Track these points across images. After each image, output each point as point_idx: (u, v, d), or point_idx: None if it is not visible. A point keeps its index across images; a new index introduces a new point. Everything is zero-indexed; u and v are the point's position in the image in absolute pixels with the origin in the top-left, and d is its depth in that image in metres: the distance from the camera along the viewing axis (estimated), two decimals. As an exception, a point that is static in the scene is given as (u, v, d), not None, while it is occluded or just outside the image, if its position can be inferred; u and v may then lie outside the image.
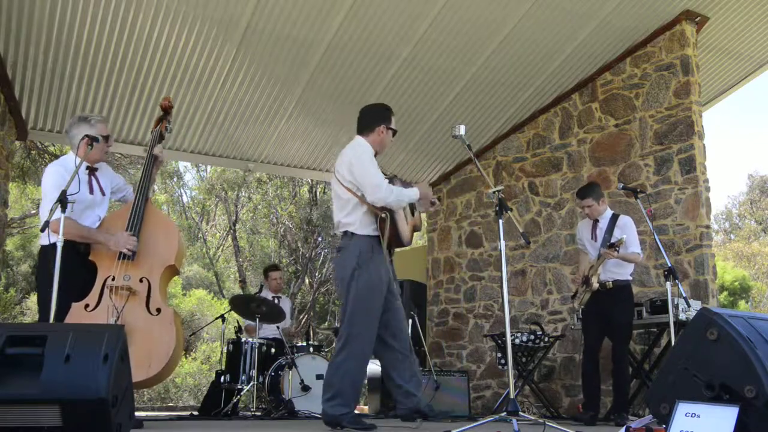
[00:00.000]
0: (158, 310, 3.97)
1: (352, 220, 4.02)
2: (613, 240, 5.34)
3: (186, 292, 16.25)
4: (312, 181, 16.81)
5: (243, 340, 6.78)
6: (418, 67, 7.02)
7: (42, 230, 3.63)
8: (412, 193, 4.00)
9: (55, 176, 3.95)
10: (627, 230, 5.47)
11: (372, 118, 4.15)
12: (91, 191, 4.07)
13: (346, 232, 4.05)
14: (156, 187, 19.71)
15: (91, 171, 4.11)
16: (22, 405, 2.52)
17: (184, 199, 20.93)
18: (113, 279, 3.93)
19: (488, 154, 8.45)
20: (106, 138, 4.13)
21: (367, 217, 3.99)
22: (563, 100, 7.73)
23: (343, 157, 4.10)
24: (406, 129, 8.07)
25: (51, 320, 3.46)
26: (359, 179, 3.96)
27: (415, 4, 6.18)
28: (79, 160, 3.89)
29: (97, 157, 4.09)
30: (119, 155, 12.91)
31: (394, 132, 4.19)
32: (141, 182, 4.18)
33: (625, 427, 3.46)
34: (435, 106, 7.67)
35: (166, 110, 4.47)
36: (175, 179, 20.24)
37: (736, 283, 16.92)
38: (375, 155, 4.10)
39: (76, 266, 3.86)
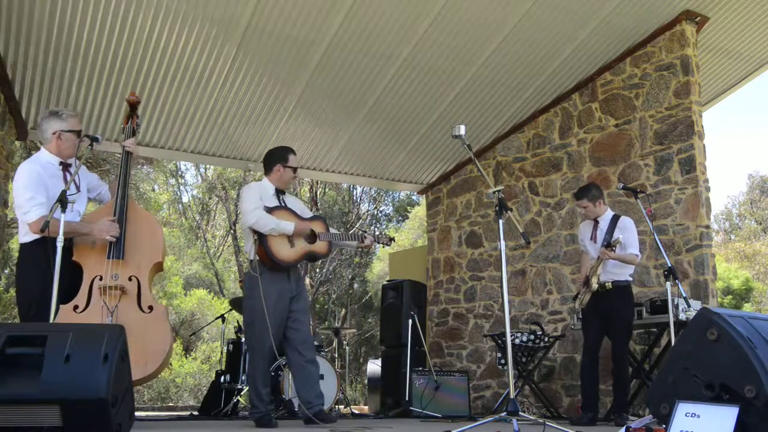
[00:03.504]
0: (150, 308, 3.95)
1: (247, 248, 4.67)
2: (611, 240, 5.33)
3: (186, 292, 16.25)
4: (312, 181, 16.81)
5: (243, 340, 6.78)
6: (418, 67, 7.02)
7: (42, 230, 3.57)
8: (284, 225, 4.53)
9: (29, 174, 3.89)
10: (626, 232, 5.45)
11: (270, 160, 4.79)
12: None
13: (248, 259, 4.70)
14: (156, 187, 19.70)
15: (65, 167, 4.07)
16: (22, 405, 2.52)
17: (185, 198, 20.92)
18: (101, 279, 3.88)
19: (488, 154, 8.45)
20: (78, 133, 4.09)
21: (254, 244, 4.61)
22: (563, 100, 7.73)
23: None
24: (406, 129, 8.07)
25: (49, 320, 3.45)
26: (240, 210, 4.76)
27: (415, 4, 6.18)
28: (50, 156, 3.95)
29: (71, 152, 4.05)
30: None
31: (294, 169, 4.81)
32: (119, 179, 4.15)
33: (625, 427, 3.46)
34: (435, 106, 7.67)
35: (134, 105, 4.48)
36: (175, 178, 20.23)
37: (742, 287, 16.90)
38: (280, 192, 4.76)
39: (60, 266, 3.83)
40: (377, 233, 4.98)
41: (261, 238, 4.49)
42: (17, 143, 8.25)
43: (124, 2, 5.82)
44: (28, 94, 6.78)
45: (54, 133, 4.00)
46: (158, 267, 4.20)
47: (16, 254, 16.59)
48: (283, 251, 4.54)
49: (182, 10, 5.99)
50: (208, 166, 18.15)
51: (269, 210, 4.55)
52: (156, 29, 6.15)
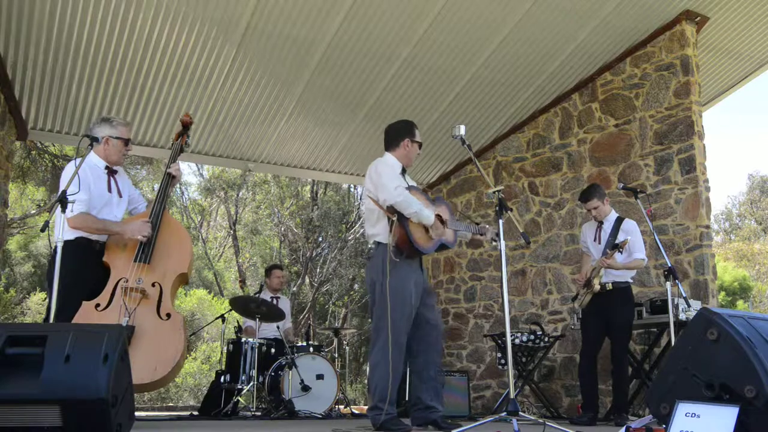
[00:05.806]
0: (168, 316, 4.00)
1: (378, 230, 4.20)
2: (617, 242, 5.31)
3: (186, 292, 16.24)
4: (313, 180, 16.80)
5: (243, 340, 6.78)
6: (418, 67, 7.02)
7: (42, 230, 3.62)
8: (426, 212, 4.09)
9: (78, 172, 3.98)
10: (632, 235, 5.39)
11: (396, 134, 4.36)
12: (109, 190, 4.15)
13: (375, 242, 4.26)
14: (156, 186, 19.71)
15: (111, 172, 4.19)
16: (22, 405, 2.52)
17: (185, 198, 20.91)
18: (126, 281, 3.96)
19: (488, 154, 8.45)
20: (126, 141, 4.21)
21: (389, 226, 4.14)
22: (563, 100, 7.73)
23: (368, 171, 4.31)
24: (406, 129, 8.06)
25: (53, 317, 3.47)
26: (376, 185, 4.15)
27: (415, 3, 6.17)
28: (98, 159, 4.09)
29: (116, 158, 4.20)
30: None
31: (420, 144, 4.39)
32: (159, 192, 4.26)
33: (625, 427, 3.46)
34: (435, 106, 7.67)
35: (186, 125, 4.55)
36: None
37: (736, 284, 16.91)
38: (404, 170, 4.31)
39: (90, 264, 3.93)
40: (487, 227, 4.56)
41: (402, 221, 4.04)
42: (17, 143, 8.25)
43: (124, 2, 5.82)
44: (28, 94, 6.78)
45: (103, 138, 4.13)
46: (183, 278, 4.24)
47: (15, 254, 16.52)
48: (422, 237, 4.14)
49: (182, 10, 5.99)
50: (206, 166, 18.15)
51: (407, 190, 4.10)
52: (156, 29, 6.15)
